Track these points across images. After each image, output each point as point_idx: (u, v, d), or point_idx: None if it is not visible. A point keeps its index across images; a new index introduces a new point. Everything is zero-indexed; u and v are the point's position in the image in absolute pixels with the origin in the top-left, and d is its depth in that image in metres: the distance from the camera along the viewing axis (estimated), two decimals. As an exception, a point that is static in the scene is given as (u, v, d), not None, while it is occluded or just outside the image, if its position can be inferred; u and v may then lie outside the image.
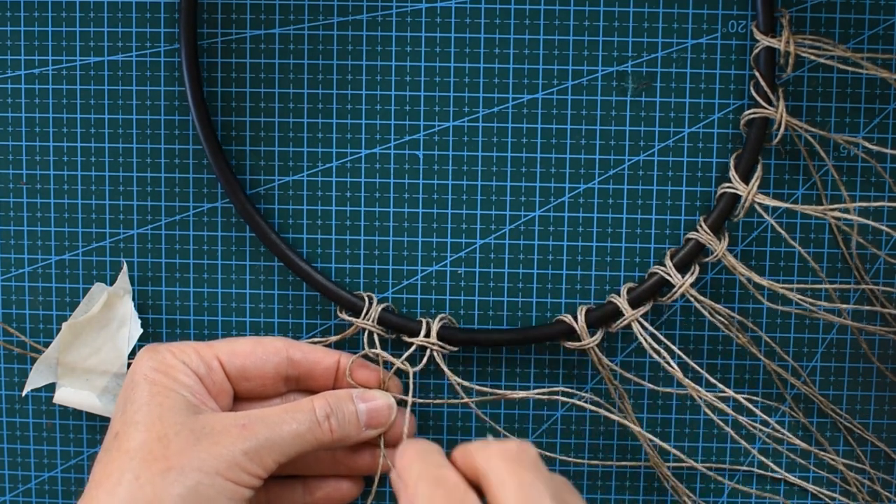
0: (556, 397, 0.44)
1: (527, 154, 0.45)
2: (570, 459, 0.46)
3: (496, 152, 0.45)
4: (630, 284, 0.44)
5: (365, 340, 0.44)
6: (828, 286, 0.44)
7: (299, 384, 0.43)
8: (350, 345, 0.45)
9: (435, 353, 0.43)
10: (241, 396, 0.42)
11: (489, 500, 0.35)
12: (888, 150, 0.44)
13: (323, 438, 0.40)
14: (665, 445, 0.44)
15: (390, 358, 0.43)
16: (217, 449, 0.37)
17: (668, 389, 0.44)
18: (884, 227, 0.42)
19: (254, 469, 0.38)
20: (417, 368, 0.43)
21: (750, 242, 0.45)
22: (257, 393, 0.42)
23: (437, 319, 0.44)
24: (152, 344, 0.42)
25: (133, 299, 0.45)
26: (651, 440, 0.44)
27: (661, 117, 0.44)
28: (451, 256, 0.45)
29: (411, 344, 0.44)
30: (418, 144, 0.45)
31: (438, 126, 0.45)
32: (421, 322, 0.44)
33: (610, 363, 0.44)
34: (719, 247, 0.43)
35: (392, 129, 0.45)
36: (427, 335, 0.44)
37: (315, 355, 0.43)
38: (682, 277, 0.43)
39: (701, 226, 0.43)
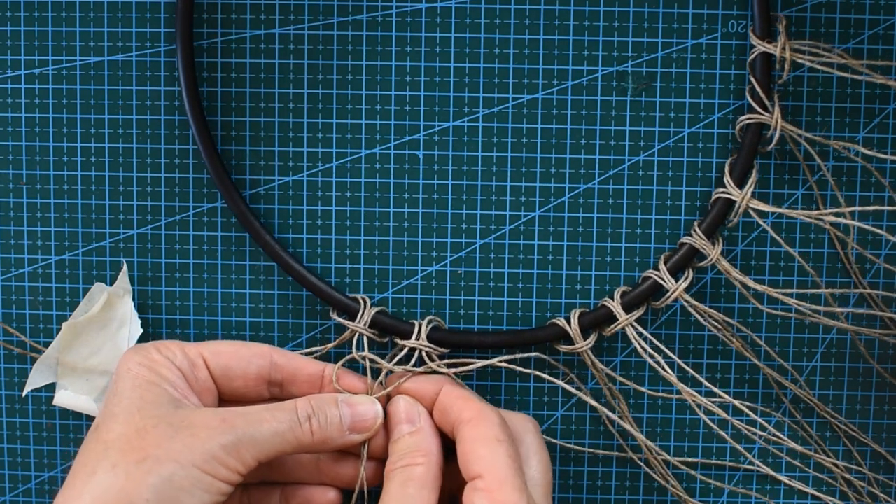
0: (540, 373, 0.44)
1: (527, 154, 0.45)
2: (573, 447, 0.46)
3: (496, 152, 0.45)
4: (623, 288, 0.44)
5: (354, 343, 0.44)
6: (824, 290, 0.44)
7: (283, 390, 0.43)
8: (350, 346, 0.45)
9: (425, 355, 0.43)
10: (225, 398, 0.42)
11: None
12: (885, 155, 0.44)
13: (303, 439, 0.40)
14: (634, 450, 0.44)
15: (379, 360, 0.43)
16: (194, 441, 0.37)
17: (665, 395, 0.44)
18: (881, 232, 0.42)
19: (232, 463, 0.38)
20: (404, 368, 0.43)
21: (750, 243, 0.45)
22: (241, 394, 0.42)
23: (427, 321, 0.44)
24: (140, 343, 0.42)
25: (133, 299, 0.45)
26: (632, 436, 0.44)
27: (661, 117, 0.44)
28: (451, 256, 0.45)
29: (404, 347, 0.43)
30: (418, 144, 0.45)
31: (438, 126, 0.45)
32: (413, 324, 0.44)
33: (604, 367, 0.44)
34: (713, 252, 0.43)
35: (392, 129, 0.45)
36: (417, 338, 0.43)
37: (299, 362, 0.43)
38: (677, 282, 0.43)
39: (695, 230, 0.43)
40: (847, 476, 0.45)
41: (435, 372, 0.43)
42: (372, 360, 0.43)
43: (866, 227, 0.42)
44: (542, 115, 0.44)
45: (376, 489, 0.41)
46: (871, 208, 0.42)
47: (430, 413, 0.42)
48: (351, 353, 0.43)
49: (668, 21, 0.44)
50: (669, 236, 0.45)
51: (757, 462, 0.45)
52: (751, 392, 0.46)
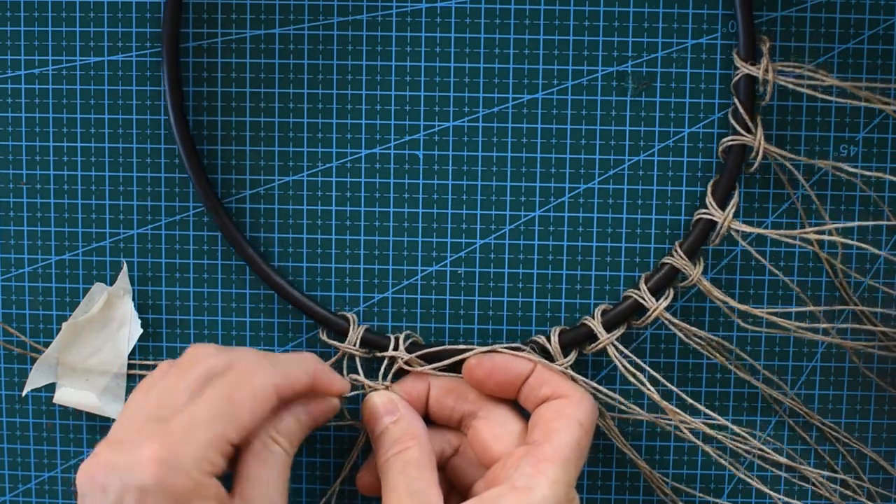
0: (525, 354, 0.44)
1: (527, 154, 0.45)
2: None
3: (496, 152, 0.45)
4: (604, 306, 0.44)
5: (344, 364, 0.44)
6: (810, 308, 0.43)
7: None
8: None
9: (404, 367, 0.43)
10: (241, 441, 0.39)
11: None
12: (869, 173, 0.43)
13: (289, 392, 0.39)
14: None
15: (374, 384, 0.43)
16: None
17: (651, 416, 0.44)
18: (865, 246, 0.42)
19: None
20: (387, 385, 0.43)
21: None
22: (254, 422, 0.39)
23: (404, 336, 0.44)
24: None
25: (133, 299, 0.45)
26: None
27: (661, 117, 0.44)
28: (450, 257, 0.45)
29: (384, 359, 0.44)
30: (418, 144, 0.45)
31: (438, 126, 0.45)
32: (389, 338, 0.44)
33: (589, 381, 0.43)
34: (694, 272, 0.43)
35: (392, 129, 0.45)
36: (396, 349, 0.43)
37: (296, 376, 0.40)
38: (657, 301, 0.43)
39: (676, 251, 0.43)
40: (838, 488, 0.45)
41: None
42: (368, 385, 0.43)
43: (850, 242, 0.42)
44: (542, 115, 0.44)
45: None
46: (853, 224, 0.42)
47: (518, 391, 0.42)
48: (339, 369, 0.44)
49: (668, 21, 0.44)
50: (669, 236, 0.45)
51: (746, 475, 0.45)
52: (743, 406, 0.45)
